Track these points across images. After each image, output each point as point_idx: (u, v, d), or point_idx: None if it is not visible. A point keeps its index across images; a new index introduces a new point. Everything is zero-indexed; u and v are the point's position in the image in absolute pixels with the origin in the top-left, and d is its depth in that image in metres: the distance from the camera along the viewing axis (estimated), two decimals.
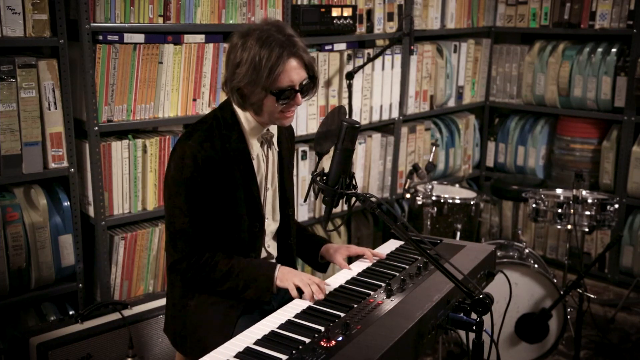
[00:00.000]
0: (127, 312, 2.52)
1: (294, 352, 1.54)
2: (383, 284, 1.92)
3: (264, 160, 2.05)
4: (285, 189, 2.14)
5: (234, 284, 1.93)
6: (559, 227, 3.37)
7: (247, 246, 2.01)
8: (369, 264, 2.13)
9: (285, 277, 1.93)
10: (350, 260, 2.20)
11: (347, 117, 1.94)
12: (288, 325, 1.70)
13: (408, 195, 3.60)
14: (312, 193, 1.88)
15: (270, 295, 1.94)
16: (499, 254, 3.25)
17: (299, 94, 1.93)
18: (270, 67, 1.84)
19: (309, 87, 1.97)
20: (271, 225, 2.12)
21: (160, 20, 2.85)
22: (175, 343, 2.06)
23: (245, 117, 1.99)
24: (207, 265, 1.93)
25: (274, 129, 2.08)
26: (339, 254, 2.16)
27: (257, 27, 1.90)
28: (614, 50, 4.09)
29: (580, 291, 2.99)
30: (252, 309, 1.98)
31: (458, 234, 3.55)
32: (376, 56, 3.70)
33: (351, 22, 3.53)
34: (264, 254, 2.10)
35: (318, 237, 2.30)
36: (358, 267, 2.12)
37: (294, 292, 1.90)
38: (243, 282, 1.93)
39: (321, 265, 2.26)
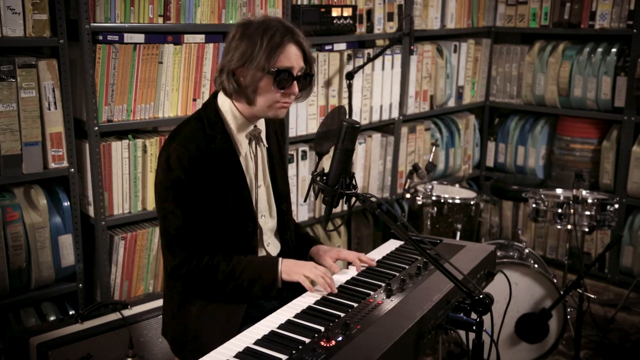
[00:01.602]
0: (127, 312, 2.52)
1: (294, 352, 1.54)
2: (383, 284, 1.92)
3: (252, 158, 2.03)
4: (277, 185, 2.12)
5: (239, 284, 1.92)
6: (559, 227, 3.37)
7: (242, 246, 2.00)
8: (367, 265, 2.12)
9: (292, 270, 1.93)
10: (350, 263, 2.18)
11: (347, 117, 1.94)
12: (288, 325, 1.70)
13: (408, 195, 3.59)
14: (312, 193, 1.87)
15: (275, 290, 1.93)
16: (499, 254, 3.25)
17: (295, 82, 1.92)
18: (271, 47, 1.84)
19: (305, 80, 1.95)
20: (269, 222, 2.10)
21: (160, 20, 2.85)
22: (175, 348, 2.05)
23: (232, 115, 1.96)
24: (208, 268, 1.91)
25: (261, 125, 2.06)
26: (328, 255, 2.13)
27: (258, 18, 1.91)
28: (614, 50, 4.09)
29: (580, 291, 2.99)
30: (254, 311, 1.97)
31: (458, 234, 3.55)
32: (376, 56, 3.70)
33: (351, 22, 3.53)
34: (262, 254, 2.09)
35: (310, 237, 2.28)
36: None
37: (306, 284, 1.89)
38: (247, 280, 1.92)
39: None
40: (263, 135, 2.07)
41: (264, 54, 1.84)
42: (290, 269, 1.93)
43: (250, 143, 2.03)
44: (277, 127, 2.18)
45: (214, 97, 2.01)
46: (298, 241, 2.25)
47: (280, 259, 1.97)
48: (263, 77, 1.87)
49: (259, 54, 1.84)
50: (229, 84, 1.91)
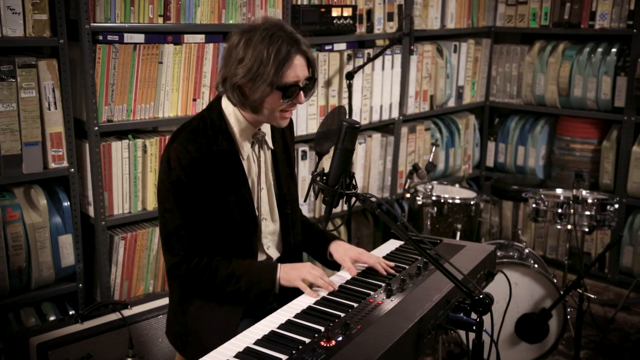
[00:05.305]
0: (127, 312, 2.52)
1: (294, 352, 1.54)
2: (383, 284, 1.92)
3: (254, 161, 2.02)
4: (282, 188, 2.11)
5: (236, 288, 1.92)
6: (559, 227, 3.37)
7: (243, 248, 2.00)
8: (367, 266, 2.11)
9: (290, 276, 1.92)
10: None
11: (347, 117, 1.93)
12: (288, 325, 1.70)
13: (408, 195, 3.60)
14: (312, 193, 1.87)
15: (272, 296, 1.94)
16: (499, 254, 3.25)
17: (302, 92, 1.91)
18: (278, 62, 1.82)
19: (309, 87, 1.95)
20: (269, 225, 2.09)
21: (160, 20, 2.85)
22: (177, 346, 2.05)
23: (235, 118, 1.96)
24: (207, 269, 1.91)
25: (266, 128, 2.05)
26: (348, 257, 2.08)
27: (260, 25, 1.88)
28: (614, 50, 4.09)
29: (580, 291, 2.99)
30: (254, 310, 1.97)
31: (458, 234, 3.54)
32: (376, 56, 3.70)
33: (351, 22, 3.53)
34: (262, 257, 2.08)
35: (327, 234, 2.24)
36: (357, 268, 2.11)
37: (307, 290, 1.89)
38: (245, 285, 1.91)
39: (331, 263, 2.18)
40: (268, 138, 2.06)
41: (272, 70, 1.82)
42: (289, 275, 1.93)
43: (253, 146, 2.02)
44: (285, 128, 2.15)
45: (218, 98, 2.00)
46: (315, 240, 2.22)
47: (279, 265, 1.96)
48: (272, 92, 1.86)
49: (266, 71, 1.82)
50: (233, 95, 1.90)
